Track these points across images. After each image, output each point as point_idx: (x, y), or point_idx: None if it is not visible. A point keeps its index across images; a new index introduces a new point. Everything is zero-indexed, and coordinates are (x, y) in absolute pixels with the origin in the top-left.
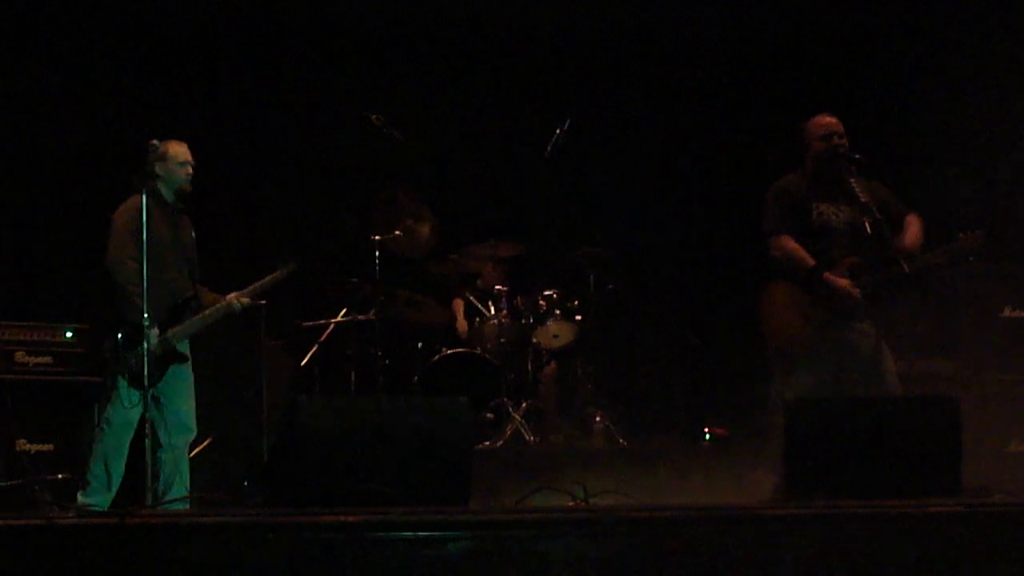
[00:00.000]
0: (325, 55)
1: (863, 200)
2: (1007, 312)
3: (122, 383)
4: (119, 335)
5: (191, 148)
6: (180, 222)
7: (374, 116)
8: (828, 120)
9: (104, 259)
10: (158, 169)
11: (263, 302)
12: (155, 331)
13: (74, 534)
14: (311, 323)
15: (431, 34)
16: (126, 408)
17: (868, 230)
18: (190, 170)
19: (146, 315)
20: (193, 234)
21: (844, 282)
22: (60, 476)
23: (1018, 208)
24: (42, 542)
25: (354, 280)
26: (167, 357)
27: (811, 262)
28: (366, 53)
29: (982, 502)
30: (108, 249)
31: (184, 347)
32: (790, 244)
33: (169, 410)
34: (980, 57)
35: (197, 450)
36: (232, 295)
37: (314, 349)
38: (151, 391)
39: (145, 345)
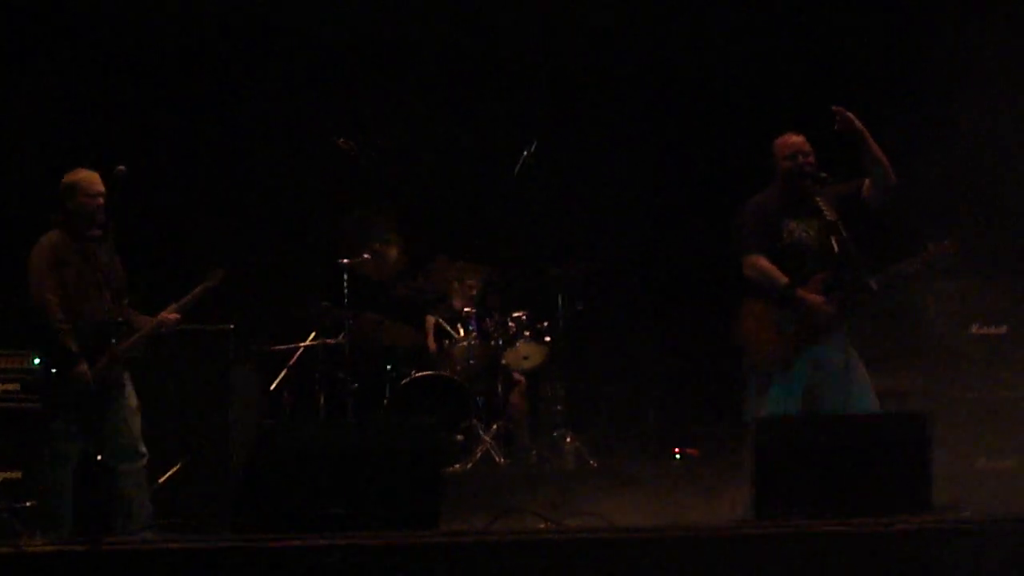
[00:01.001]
0: (293, 78)
1: (829, 218)
2: (975, 329)
3: (58, 420)
4: (49, 371)
5: (157, 172)
6: (99, 251)
7: (341, 140)
8: (794, 140)
9: (30, 297)
10: (68, 203)
11: (231, 326)
12: (83, 367)
13: (44, 561)
14: (280, 347)
15: (399, 56)
16: (65, 442)
17: (835, 248)
18: (100, 200)
19: (71, 347)
20: (118, 260)
21: (818, 299)
22: (28, 503)
23: (988, 225)
24: (11, 570)
25: (323, 304)
26: (103, 388)
27: (784, 280)
28: (334, 76)
29: (952, 519)
30: (29, 287)
31: (119, 374)
32: (763, 263)
33: (113, 439)
34: (942, 72)
35: (166, 476)
36: (161, 313)
37: (283, 373)
38: (91, 423)
39: (76, 377)
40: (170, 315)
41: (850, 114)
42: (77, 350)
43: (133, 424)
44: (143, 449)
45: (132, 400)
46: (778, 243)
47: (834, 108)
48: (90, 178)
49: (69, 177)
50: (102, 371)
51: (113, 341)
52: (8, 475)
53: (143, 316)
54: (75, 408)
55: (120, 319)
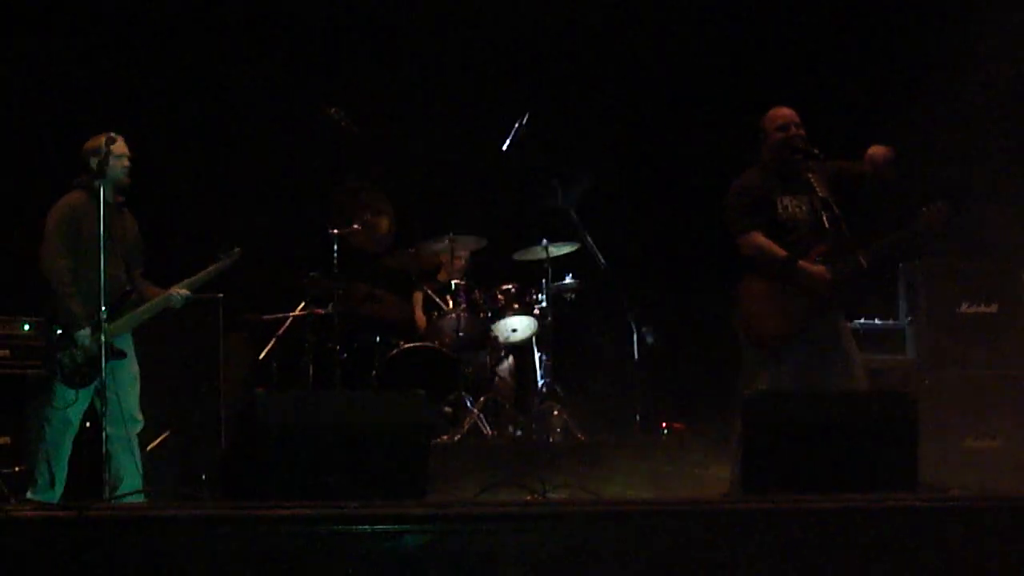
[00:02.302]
0: (283, 48)
1: (821, 195)
2: (964, 308)
3: (59, 382)
4: (51, 335)
5: (147, 143)
6: (119, 217)
7: (332, 109)
8: (785, 111)
9: (39, 259)
10: (92, 164)
11: (220, 295)
12: (87, 330)
13: (31, 527)
14: (269, 317)
15: (390, 26)
16: (61, 407)
17: (826, 223)
18: (127, 163)
19: (78, 312)
20: (136, 229)
21: (819, 268)
22: (17, 468)
23: (976, 205)
24: None
25: (312, 274)
26: (105, 354)
27: (783, 253)
28: (324, 46)
29: (939, 497)
30: (40, 249)
31: (124, 342)
32: (761, 239)
33: (111, 404)
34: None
35: (155, 443)
36: (173, 287)
37: (272, 343)
38: (93, 386)
39: (80, 343)
40: (180, 290)
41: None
42: (82, 313)
43: (133, 391)
44: (139, 416)
45: (134, 367)
46: (774, 219)
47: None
48: (118, 140)
49: (95, 140)
50: (106, 339)
51: (120, 308)
52: None
53: (154, 288)
54: (78, 372)
55: (129, 287)
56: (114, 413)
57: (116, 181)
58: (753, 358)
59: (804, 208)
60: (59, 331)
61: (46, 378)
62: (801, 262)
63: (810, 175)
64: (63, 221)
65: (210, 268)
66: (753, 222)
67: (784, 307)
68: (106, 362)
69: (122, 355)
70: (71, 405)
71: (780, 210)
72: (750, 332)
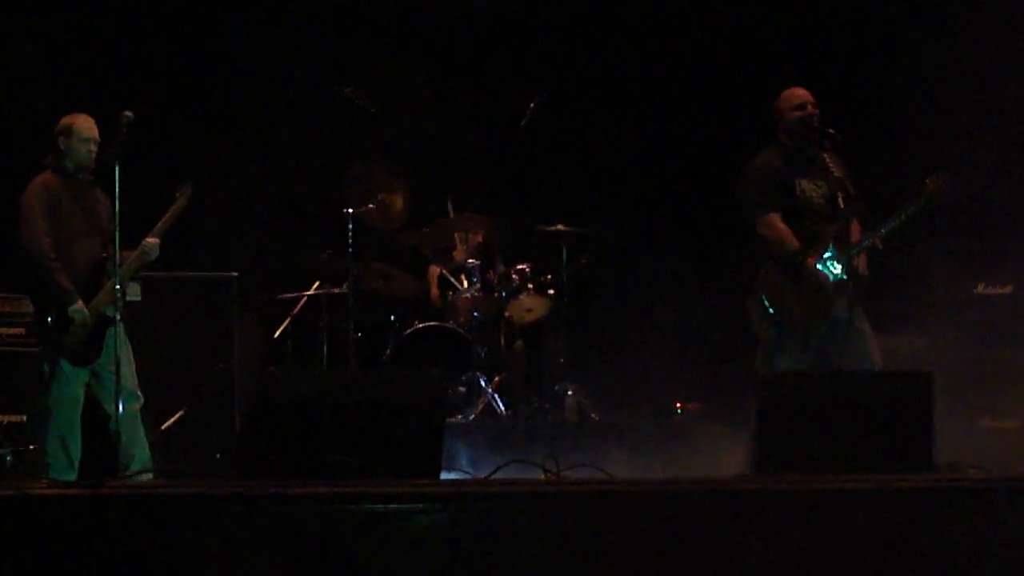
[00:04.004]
0: (298, 26)
1: (837, 175)
2: (980, 288)
3: (64, 364)
4: (49, 318)
5: (161, 122)
6: (90, 194)
7: (348, 89)
8: (801, 91)
9: (18, 240)
10: (60, 144)
11: (235, 274)
12: (79, 304)
13: (45, 504)
14: (284, 296)
15: (405, 3)
16: (71, 386)
17: (841, 205)
18: (92, 147)
19: (67, 287)
20: (109, 204)
21: (822, 275)
22: (31, 447)
23: (993, 186)
24: (12, 512)
25: (327, 253)
26: (100, 325)
27: (795, 245)
28: (339, 24)
29: (954, 477)
30: (20, 230)
31: (112, 310)
32: (778, 223)
33: (110, 380)
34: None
35: (169, 423)
36: (143, 240)
37: (287, 322)
38: (92, 366)
39: (79, 319)
40: (150, 239)
41: None
42: (71, 288)
43: (130, 368)
44: (137, 391)
45: (126, 341)
46: (791, 202)
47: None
48: (86, 123)
49: (65, 120)
50: (97, 308)
51: (105, 278)
52: (12, 419)
53: (128, 252)
54: (83, 350)
55: (104, 255)
56: (115, 389)
57: (80, 163)
58: (773, 338)
59: (821, 191)
60: (50, 319)
61: (51, 361)
62: (809, 260)
63: (825, 155)
64: (40, 200)
65: (171, 210)
66: (771, 203)
67: (803, 288)
68: (103, 335)
69: (113, 321)
70: (76, 382)
71: (798, 193)
72: (780, 313)
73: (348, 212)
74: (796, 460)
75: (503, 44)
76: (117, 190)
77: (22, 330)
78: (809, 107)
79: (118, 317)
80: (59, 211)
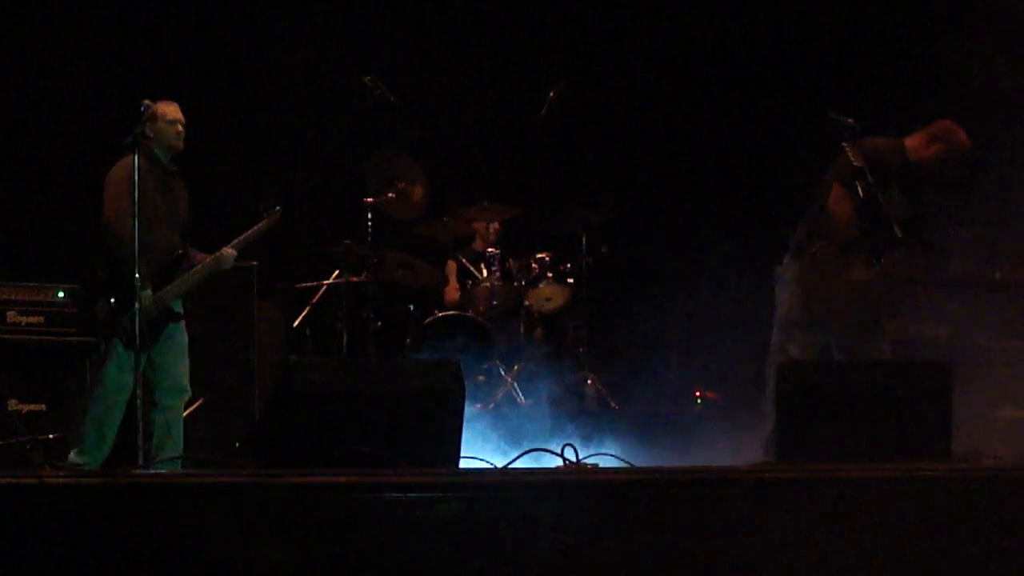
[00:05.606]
0: (319, 15)
1: (856, 165)
2: (1000, 277)
3: (118, 346)
4: (113, 298)
5: (184, 110)
6: (173, 184)
7: (367, 78)
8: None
9: (102, 220)
10: (148, 129)
11: (255, 263)
12: (149, 292)
13: (65, 493)
14: (304, 284)
15: None
16: (122, 371)
17: (860, 194)
18: (180, 129)
19: (138, 275)
20: (187, 196)
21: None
22: (52, 436)
23: (1014, 173)
24: (33, 501)
25: (347, 242)
26: (163, 317)
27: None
28: (360, 13)
29: (972, 466)
30: (105, 209)
31: (178, 306)
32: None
33: (163, 371)
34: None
35: (190, 410)
36: (222, 249)
37: (307, 310)
38: (148, 354)
39: (138, 306)
40: (229, 250)
41: None
42: (145, 275)
43: (184, 361)
44: (188, 387)
45: (184, 338)
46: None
47: None
48: (170, 106)
49: (153, 105)
50: (164, 299)
51: (173, 272)
52: (33, 407)
53: (201, 253)
54: (134, 332)
55: (181, 251)
56: (164, 381)
57: (168, 146)
58: (795, 325)
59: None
60: (112, 300)
61: (106, 342)
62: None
63: (845, 145)
64: (125, 182)
65: (255, 227)
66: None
67: (836, 277)
68: (166, 326)
69: (180, 317)
70: (131, 369)
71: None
72: (807, 296)
73: (368, 201)
74: (815, 449)
75: (522, 33)
76: (136, 178)
77: (42, 319)
78: None
79: (181, 315)
80: (143, 194)
